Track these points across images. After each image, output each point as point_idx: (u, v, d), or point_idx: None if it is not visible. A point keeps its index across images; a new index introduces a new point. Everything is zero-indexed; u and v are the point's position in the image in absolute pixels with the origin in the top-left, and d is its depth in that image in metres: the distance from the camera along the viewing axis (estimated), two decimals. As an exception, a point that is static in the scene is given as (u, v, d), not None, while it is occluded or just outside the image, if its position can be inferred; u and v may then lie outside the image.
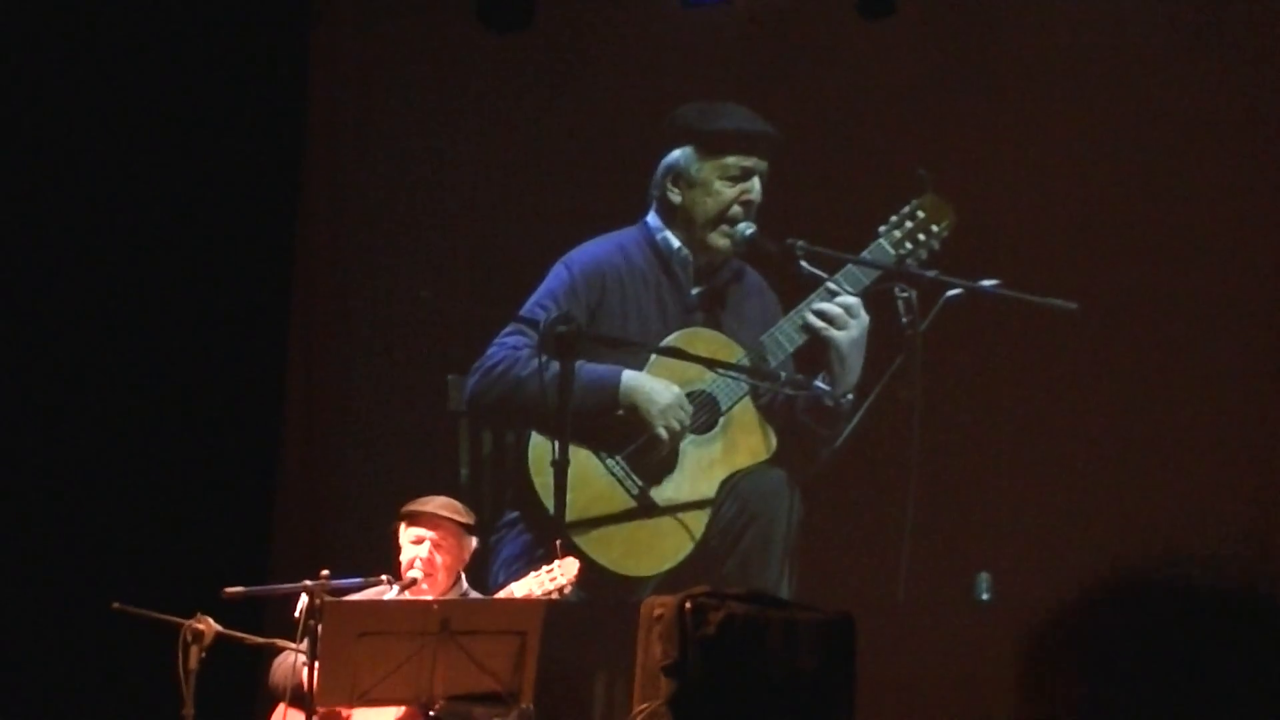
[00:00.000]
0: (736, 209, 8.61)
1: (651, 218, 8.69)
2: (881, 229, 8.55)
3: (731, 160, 8.62)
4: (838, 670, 5.41)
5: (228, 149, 8.82)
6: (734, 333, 8.62)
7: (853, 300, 8.49)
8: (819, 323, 8.49)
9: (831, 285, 8.49)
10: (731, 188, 8.62)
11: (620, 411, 8.47)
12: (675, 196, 8.65)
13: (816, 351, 8.54)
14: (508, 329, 8.54)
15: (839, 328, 8.48)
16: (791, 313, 8.56)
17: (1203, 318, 8.49)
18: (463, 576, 7.12)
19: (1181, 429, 8.45)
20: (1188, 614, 2.20)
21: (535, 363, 8.28)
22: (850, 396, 8.47)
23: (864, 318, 8.48)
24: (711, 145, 8.63)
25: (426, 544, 7.03)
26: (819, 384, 8.50)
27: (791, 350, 8.54)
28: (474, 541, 7.16)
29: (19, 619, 8.58)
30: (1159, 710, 2.14)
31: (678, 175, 8.65)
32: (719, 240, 8.64)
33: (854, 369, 8.49)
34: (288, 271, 8.92)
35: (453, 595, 6.98)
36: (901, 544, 8.35)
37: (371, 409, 8.92)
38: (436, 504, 7.09)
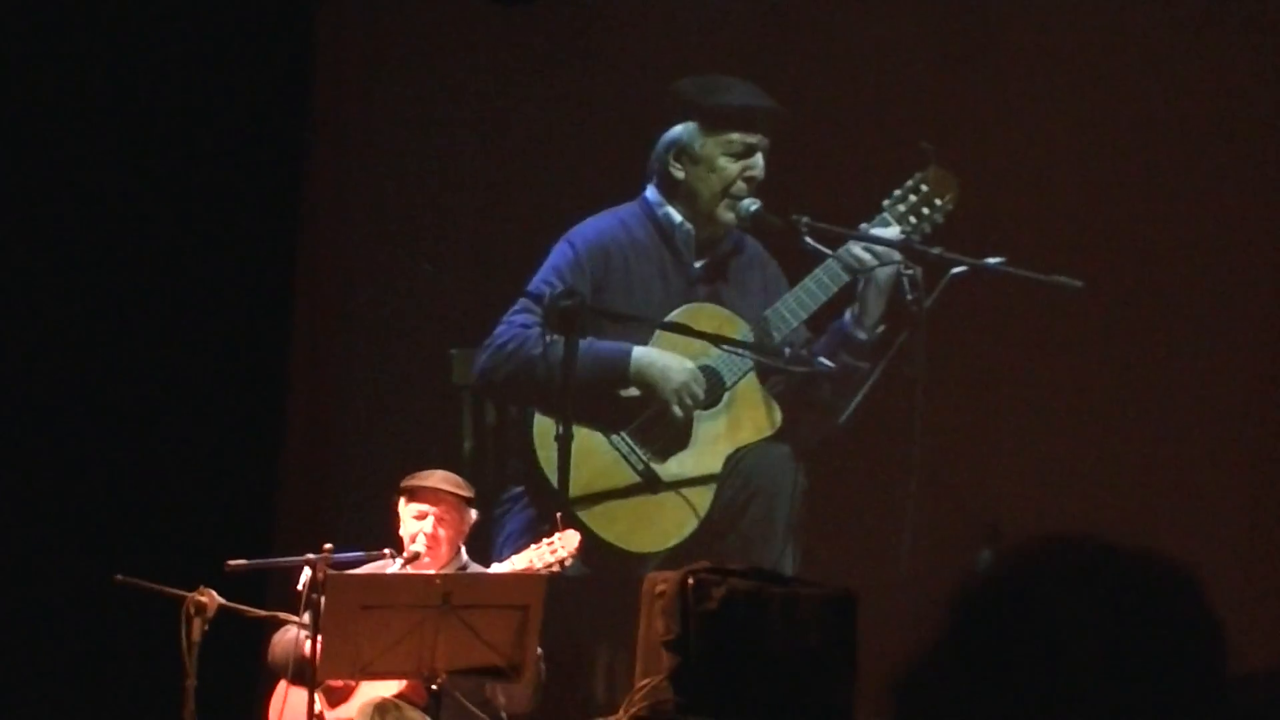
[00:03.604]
0: (740, 185, 8.60)
1: (651, 192, 8.67)
2: (885, 202, 8.54)
3: (735, 136, 8.60)
4: (839, 646, 5.42)
5: (231, 122, 8.81)
6: (737, 306, 8.61)
7: (892, 233, 8.48)
8: (866, 254, 8.45)
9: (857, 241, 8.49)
10: (735, 163, 8.60)
11: (632, 388, 8.46)
12: (678, 172, 8.63)
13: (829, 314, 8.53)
14: (515, 307, 8.53)
15: (883, 262, 8.45)
16: (797, 287, 8.54)
17: (1209, 296, 8.48)
18: (463, 549, 7.13)
19: (1187, 408, 8.45)
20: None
21: (544, 340, 8.27)
22: (881, 328, 8.44)
23: (897, 255, 8.46)
24: (715, 121, 8.61)
25: (429, 519, 7.04)
26: (823, 360, 8.49)
27: (795, 324, 8.52)
28: (474, 514, 7.17)
29: (22, 591, 8.59)
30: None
31: (680, 151, 8.63)
32: (724, 214, 8.63)
33: (883, 302, 8.46)
34: (291, 246, 8.91)
35: (453, 568, 6.99)
36: (904, 521, 8.35)
37: (375, 382, 8.92)
38: (437, 478, 7.09)
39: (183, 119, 8.83)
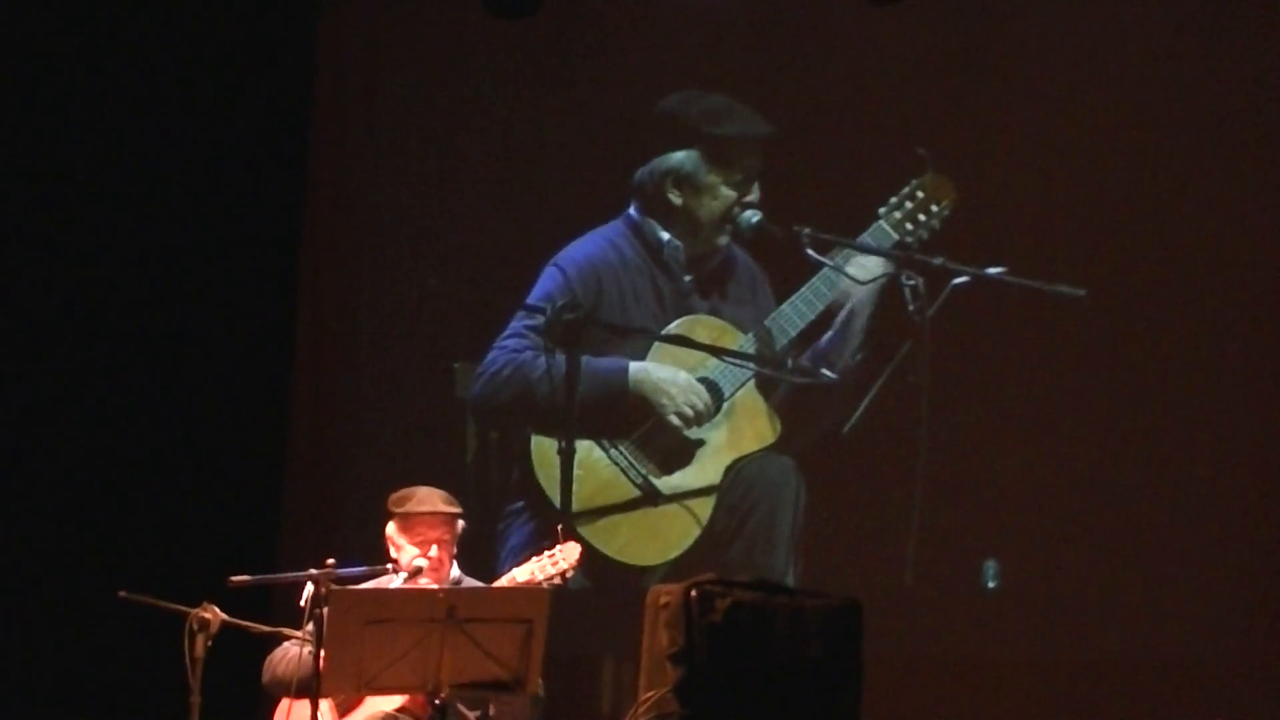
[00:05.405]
0: (737, 209, 8.61)
1: (635, 210, 8.65)
2: (881, 210, 8.55)
3: (738, 166, 8.61)
4: (845, 657, 5.41)
5: (235, 136, 8.82)
6: (732, 317, 8.62)
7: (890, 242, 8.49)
8: (854, 270, 8.45)
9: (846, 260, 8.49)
10: (735, 191, 8.61)
11: (631, 402, 8.46)
12: (675, 198, 8.62)
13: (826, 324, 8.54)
14: (505, 332, 8.53)
15: (864, 282, 8.46)
16: (795, 296, 8.54)
17: (1211, 304, 8.48)
18: (454, 562, 7.12)
19: (1189, 417, 8.45)
20: None
21: (541, 361, 8.27)
22: (860, 356, 8.44)
23: (880, 272, 8.45)
24: (720, 151, 8.60)
25: (432, 545, 7.00)
26: (826, 372, 8.49)
27: (794, 333, 8.53)
28: (461, 524, 7.14)
29: (27, 607, 8.59)
30: None
31: (680, 179, 8.62)
32: (720, 240, 8.64)
33: (862, 334, 8.46)
34: (294, 259, 8.92)
35: (447, 583, 6.97)
36: (909, 531, 8.35)
37: (378, 396, 8.92)
38: (432, 500, 7.05)
39: (186, 136, 8.85)
